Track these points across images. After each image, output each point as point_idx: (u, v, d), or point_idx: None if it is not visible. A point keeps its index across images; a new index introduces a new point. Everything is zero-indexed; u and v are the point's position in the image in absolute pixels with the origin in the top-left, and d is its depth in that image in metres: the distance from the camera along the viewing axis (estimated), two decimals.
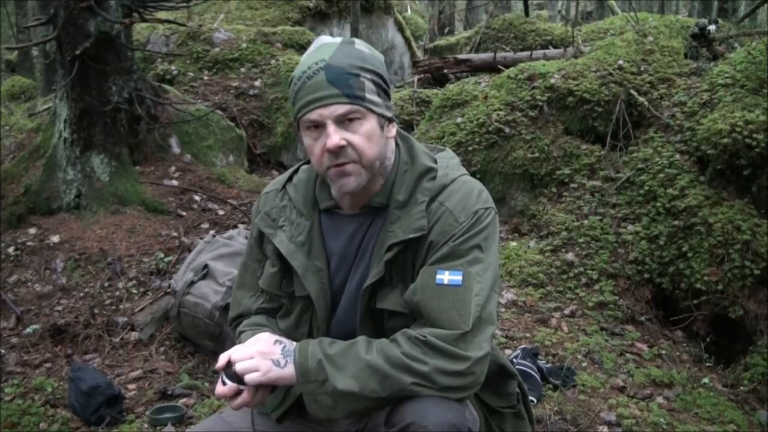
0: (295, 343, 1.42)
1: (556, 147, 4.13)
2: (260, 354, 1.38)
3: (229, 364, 1.39)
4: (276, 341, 1.42)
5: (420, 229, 1.42)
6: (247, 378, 1.36)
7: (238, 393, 1.39)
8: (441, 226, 1.42)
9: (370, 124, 1.41)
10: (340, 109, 1.37)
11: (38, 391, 2.97)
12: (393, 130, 1.49)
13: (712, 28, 4.57)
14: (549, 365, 2.81)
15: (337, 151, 1.38)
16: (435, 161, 1.51)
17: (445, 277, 1.38)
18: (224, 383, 1.39)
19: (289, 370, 1.37)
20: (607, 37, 5.20)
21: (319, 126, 1.40)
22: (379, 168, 1.45)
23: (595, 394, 2.70)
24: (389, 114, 1.46)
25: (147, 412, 2.77)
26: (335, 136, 1.37)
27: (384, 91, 1.44)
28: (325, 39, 1.46)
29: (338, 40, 1.44)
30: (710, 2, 8.42)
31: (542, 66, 4.55)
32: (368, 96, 1.39)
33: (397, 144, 1.53)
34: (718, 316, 3.24)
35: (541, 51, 6.06)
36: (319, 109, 1.38)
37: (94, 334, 3.38)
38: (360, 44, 1.44)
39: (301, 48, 6.52)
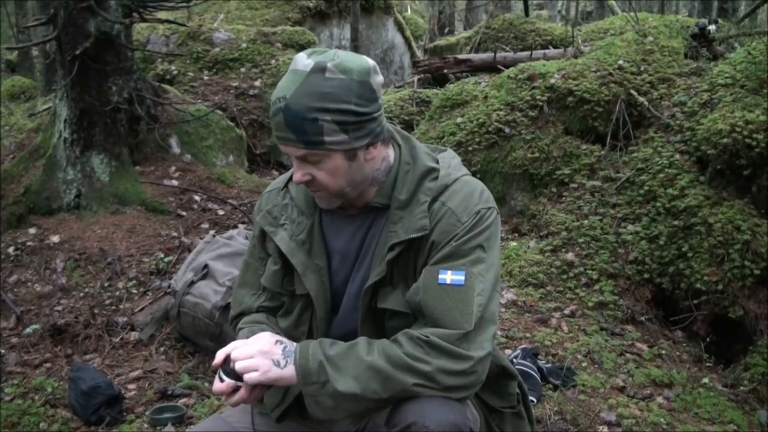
0: (295, 344, 1.42)
1: (556, 147, 4.13)
2: (260, 353, 1.38)
3: (227, 360, 1.39)
4: (277, 341, 1.42)
5: (422, 228, 1.42)
6: (247, 377, 1.36)
7: (236, 390, 1.39)
8: (443, 226, 1.42)
9: (333, 161, 1.39)
10: (298, 152, 1.40)
11: (38, 391, 2.97)
12: (374, 151, 1.44)
13: (712, 28, 4.57)
14: (549, 365, 2.81)
15: (305, 183, 1.44)
16: (437, 161, 1.51)
17: (448, 276, 1.38)
18: (222, 380, 1.40)
19: (289, 371, 1.37)
20: (607, 37, 5.20)
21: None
22: (353, 191, 1.45)
23: (595, 394, 2.70)
24: (362, 143, 1.40)
25: (147, 412, 2.77)
26: (298, 173, 1.43)
27: (353, 123, 1.36)
28: (300, 62, 1.37)
29: (309, 66, 1.35)
30: (710, 2, 8.43)
31: (542, 66, 4.55)
32: (327, 139, 1.35)
33: (398, 144, 1.53)
34: (718, 316, 3.23)
35: (541, 51, 6.07)
36: (283, 146, 1.41)
37: (94, 334, 3.38)
38: (332, 70, 1.34)
39: (301, 48, 6.51)
